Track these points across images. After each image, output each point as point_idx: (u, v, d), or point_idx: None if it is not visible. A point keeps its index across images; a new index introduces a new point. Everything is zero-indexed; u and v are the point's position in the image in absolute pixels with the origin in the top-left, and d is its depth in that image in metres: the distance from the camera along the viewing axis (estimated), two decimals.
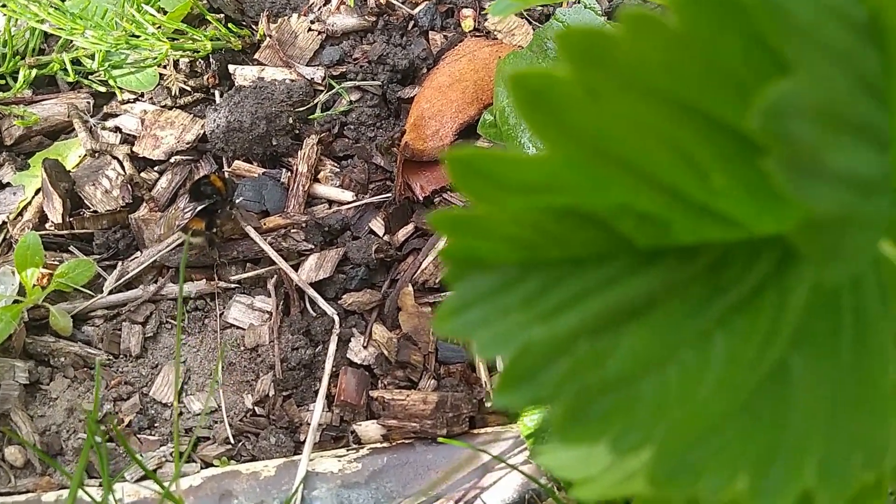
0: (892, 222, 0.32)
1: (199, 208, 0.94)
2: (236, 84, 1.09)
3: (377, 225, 1.01)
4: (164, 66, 1.10)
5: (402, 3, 1.13)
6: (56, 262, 0.97)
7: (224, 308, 0.98)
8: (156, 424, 0.93)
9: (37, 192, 1.03)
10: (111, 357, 0.96)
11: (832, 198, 0.24)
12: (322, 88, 1.09)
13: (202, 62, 1.10)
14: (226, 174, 1.03)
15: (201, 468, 0.90)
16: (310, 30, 1.12)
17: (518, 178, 0.27)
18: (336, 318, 0.95)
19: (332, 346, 0.93)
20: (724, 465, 0.28)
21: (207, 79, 1.09)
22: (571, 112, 0.26)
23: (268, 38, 1.10)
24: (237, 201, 0.99)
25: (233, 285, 0.99)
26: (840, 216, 0.24)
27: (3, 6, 1.08)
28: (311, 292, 0.96)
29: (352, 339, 0.95)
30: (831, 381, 0.29)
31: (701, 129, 0.26)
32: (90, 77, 1.10)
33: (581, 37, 0.25)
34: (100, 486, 0.88)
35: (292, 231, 0.99)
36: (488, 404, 0.91)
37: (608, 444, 0.28)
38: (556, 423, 0.28)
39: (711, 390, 0.29)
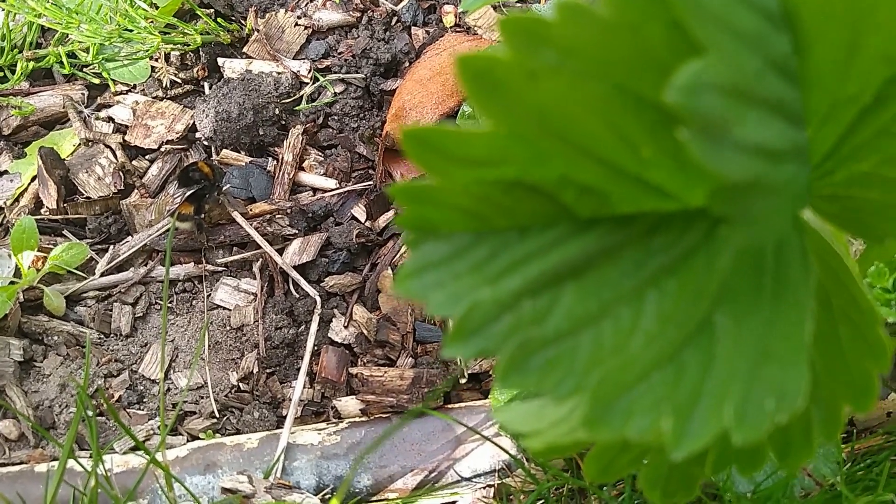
0: (815, 195, 0.34)
1: (188, 193, 0.96)
2: (225, 76, 1.10)
3: (359, 211, 1.03)
4: (156, 59, 1.12)
5: None
6: (50, 246, 0.99)
7: (211, 290, 1.00)
8: (144, 399, 0.95)
9: (32, 179, 1.04)
10: (102, 336, 0.97)
11: (740, 165, 0.26)
12: (308, 81, 1.11)
13: (192, 55, 1.12)
14: (213, 161, 1.05)
15: (188, 441, 0.92)
16: (296, 24, 1.13)
17: (466, 152, 0.30)
18: (318, 300, 0.97)
19: (314, 326, 0.95)
20: (650, 410, 0.30)
21: (197, 71, 1.11)
22: (512, 91, 0.28)
23: (256, 33, 1.12)
24: (224, 188, 1.01)
25: (220, 268, 1.01)
26: (747, 182, 0.26)
27: (3, 1, 1.09)
28: (295, 275, 0.98)
29: (333, 319, 0.97)
30: (752, 336, 0.31)
31: (630, 106, 0.28)
32: (85, 69, 1.12)
33: (520, 22, 0.27)
34: (90, 457, 0.90)
35: (277, 217, 1.01)
36: (463, 381, 0.93)
37: (548, 391, 0.30)
38: (500, 372, 0.30)
39: (643, 343, 0.31)
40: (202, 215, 0.99)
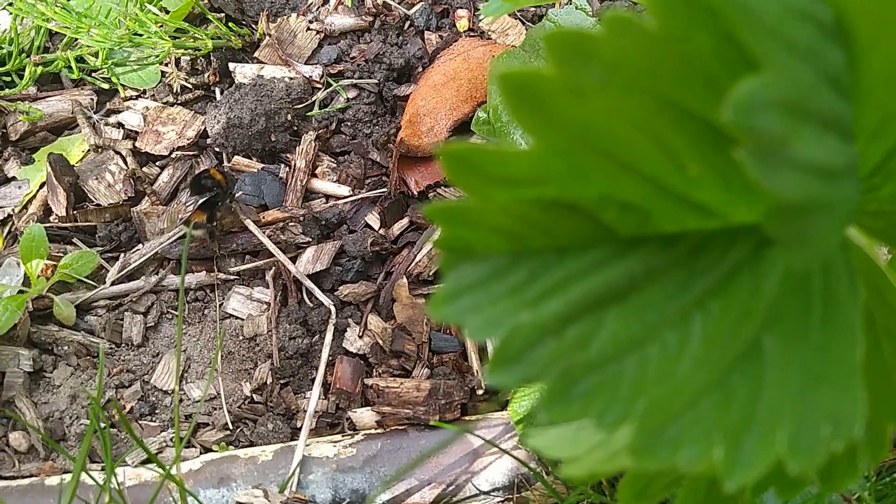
0: (860, 210, 0.33)
1: (201, 201, 0.95)
2: (236, 82, 1.09)
3: (373, 219, 1.02)
4: (166, 64, 1.11)
5: (399, 3, 1.14)
6: (60, 254, 0.98)
7: (223, 299, 0.99)
8: (156, 411, 0.94)
9: (41, 186, 1.04)
10: (113, 346, 0.97)
11: (797, 185, 0.25)
12: (320, 86, 1.10)
13: (203, 60, 1.11)
14: (225, 168, 1.04)
15: (201, 453, 0.91)
16: (308, 29, 1.13)
17: (506, 172, 0.29)
18: (332, 309, 0.96)
19: (329, 336, 0.94)
20: (700, 438, 0.29)
21: (208, 76, 1.10)
22: (556, 107, 0.27)
23: (267, 37, 1.11)
24: (237, 195, 1.01)
25: (232, 277, 1.00)
26: (805, 202, 0.25)
27: (10, 4, 1.09)
28: (309, 284, 0.97)
29: (347, 329, 0.96)
30: (802, 360, 0.30)
31: (677, 121, 0.27)
32: (94, 74, 1.11)
33: (566, 37, 0.26)
34: (101, 469, 0.90)
35: (290, 224, 1.00)
36: (480, 392, 0.92)
37: (592, 420, 0.29)
38: (544, 401, 0.29)
39: (689, 368, 0.30)
40: (214, 223, 0.99)
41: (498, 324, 0.30)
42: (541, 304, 0.30)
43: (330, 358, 0.94)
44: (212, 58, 1.11)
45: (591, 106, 0.26)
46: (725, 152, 0.28)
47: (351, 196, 1.03)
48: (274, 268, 0.99)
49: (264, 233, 1.00)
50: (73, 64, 1.08)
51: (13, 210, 1.03)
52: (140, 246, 1.01)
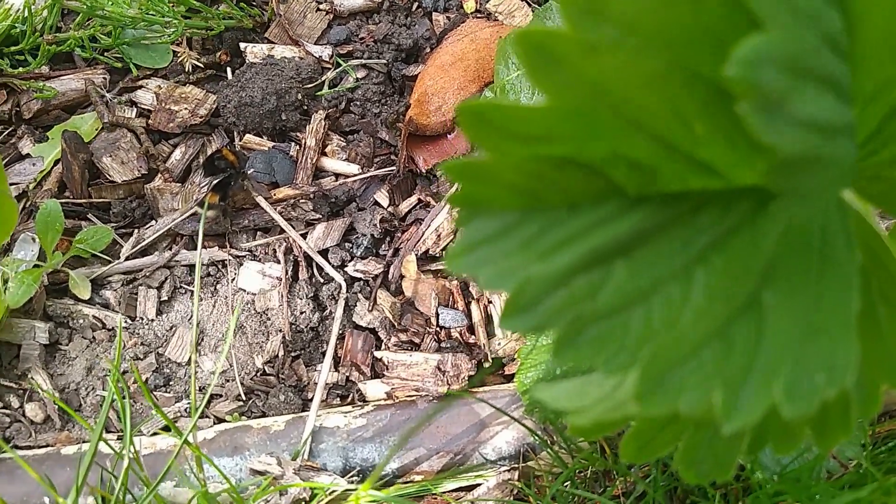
0: (857, 175, 0.35)
1: (215, 182, 0.97)
2: (247, 61, 1.11)
3: (382, 196, 1.03)
4: (178, 44, 1.13)
5: None
6: (75, 230, 1.00)
7: (236, 274, 1.00)
8: (171, 383, 0.96)
9: (55, 163, 1.05)
10: (128, 319, 0.98)
11: (797, 139, 0.26)
12: (329, 66, 1.11)
13: (214, 40, 1.12)
14: (236, 147, 1.05)
15: (214, 423, 0.92)
16: (318, 10, 1.14)
17: (521, 128, 0.30)
18: (343, 284, 0.97)
19: (340, 310, 0.96)
20: (701, 384, 0.30)
21: (219, 56, 1.11)
22: (570, 66, 0.28)
23: (277, 17, 1.13)
24: (248, 173, 1.02)
25: (244, 253, 1.01)
26: (804, 156, 0.27)
27: None
28: (319, 259, 0.99)
29: (357, 303, 0.97)
30: (799, 313, 0.32)
31: (686, 81, 0.29)
32: (106, 54, 1.12)
33: None
34: (117, 439, 0.91)
35: (301, 201, 1.02)
36: (487, 364, 0.94)
37: (599, 365, 0.30)
38: (553, 347, 0.30)
39: (692, 319, 0.31)
40: (227, 201, 1.00)
41: (510, 275, 0.31)
42: (551, 257, 0.31)
43: (340, 332, 0.96)
44: (223, 37, 1.12)
45: (604, 64, 0.28)
46: (731, 113, 0.30)
47: (360, 174, 1.04)
48: (285, 244, 1.01)
49: (275, 209, 1.01)
50: (86, 43, 1.09)
51: (28, 186, 1.04)
52: (153, 222, 1.03)
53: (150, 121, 1.08)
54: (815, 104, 0.27)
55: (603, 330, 0.30)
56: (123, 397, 0.79)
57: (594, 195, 0.32)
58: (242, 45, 1.11)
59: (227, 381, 0.95)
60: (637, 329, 0.31)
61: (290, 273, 0.99)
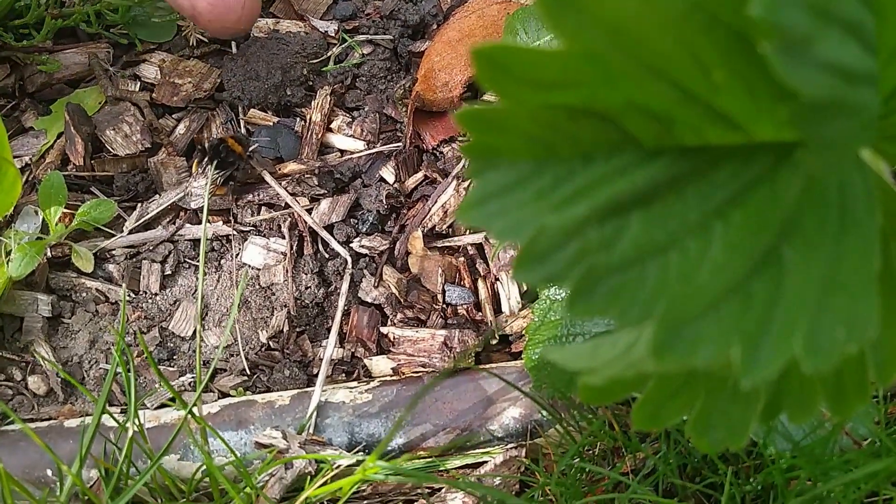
0: (878, 134, 0.34)
1: (225, 175, 0.96)
2: (252, 35, 1.10)
3: (388, 172, 1.03)
4: (183, 18, 1.12)
5: None
6: (78, 203, 0.99)
7: (240, 249, 1.00)
8: (174, 357, 0.96)
9: (58, 137, 1.05)
10: (132, 293, 0.98)
11: (822, 82, 0.26)
12: (335, 41, 1.10)
13: None
14: (239, 133, 1.04)
15: (218, 398, 0.92)
16: None
17: (537, 74, 0.29)
18: (349, 259, 0.97)
19: (345, 285, 0.95)
20: (718, 339, 0.30)
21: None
22: (587, 9, 0.27)
23: None
24: (252, 147, 1.01)
25: (248, 228, 1.01)
26: (829, 100, 0.26)
27: None
28: (325, 234, 0.98)
29: (363, 279, 0.97)
30: (819, 269, 0.31)
31: (706, 26, 0.28)
32: (112, 30, 1.12)
33: None
34: (120, 412, 0.91)
35: (306, 177, 1.01)
36: (493, 341, 0.93)
37: (614, 318, 0.30)
38: (567, 299, 0.30)
39: (710, 274, 0.31)
40: (233, 183, 1.00)
41: (523, 226, 0.30)
42: (565, 208, 0.31)
43: (346, 307, 0.95)
44: None
45: (620, 7, 0.27)
46: (751, 59, 0.29)
47: (366, 150, 1.04)
48: (290, 219, 1.00)
49: (280, 184, 1.00)
50: (92, 18, 1.09)
51: (31, 159, 1.04)
52: (157, 196, 1.02)
53: (153, 95, 1.07)
54: (839, 49, 0.26)
55: (617, 282, 0.30)
56: (128, 370, 0.79)
57: (609, 146, 0.31)
58: None
59: (232, 355, 0.95)
60: (653, 282, 0.30)
61: (294, 248, 0.99)
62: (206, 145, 0.99)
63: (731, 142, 0.33)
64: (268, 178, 1.00)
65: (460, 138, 1.04)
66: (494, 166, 0.32)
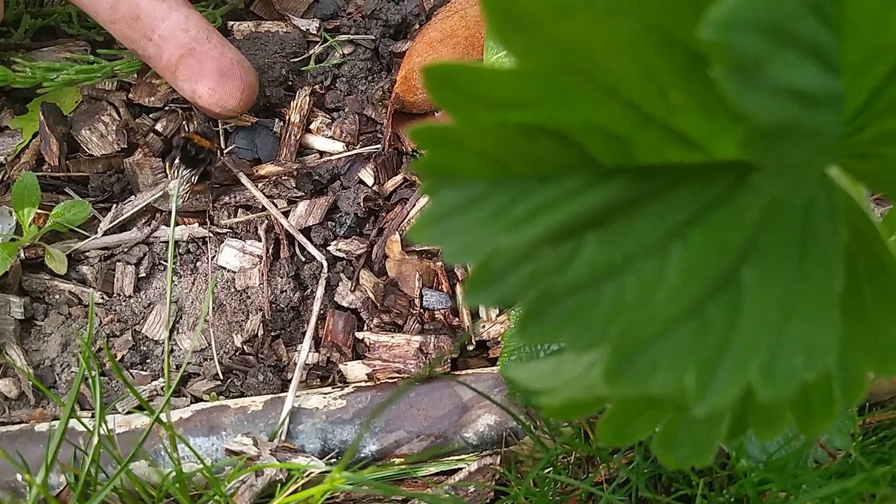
0: (845, 152, 0.34)
1: (199, 172, 0.95)
2: (232, 36, 1.09)
3: (366, 175, 1.02)
4: None
5: None
6: (52, 204, 0.98)
7: (216, 251, 0.99)
8: (147, 360, 0.95)
9: (34, 136, 1.04)
10: (105, 296, 0.97)
11: (776, 107, 0.25)
12: (316, 41, 1.10)
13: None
14: (204, 127, 1.03)
15: (191, 402, 0.91)
16: None
17: (490, 92, 0.29)
18: (325, 263, 0.96)
19: (321, 289, 0.95)
20: (674, 364, 0.29)
21: None
22: (539, 27, 0.27)
23: None
24: (229, 149, 1.00)
25: (224, 230, 1.00)
26: (783, 126, 0.25)
27: None
28: (301, 238, 0.98)
29: (339, 283, 0.96)
30: (779, 292, 0.31)
31: (661, 46, 0.27)
32: (92, 30, 1.11)
33: None
34: (92, 416, 0.90)
35: (283, 179, 1.00)
36: (470, 347, 0.93)
37: (567, 342, 0.29)
38: (519, 322, 0.29)
39: (666, 297, 0.30)
40: (210, 181, 0.99)
41: (477, 247, 0.30)
42: (520, 229, 0.30)
43: (321, 312, 0.95)
44: (217, 17, 1.10)
45: (573, 26, 0.27)
46: (708, 80, 0.28)
47: (345, 152, 1.03)
48: (266, 221, 0.99)
49: (257, 186, 1.00)
50: (74, 19, 1.08)
51: (5, 159, 1.03)
52: (133, 197, 1.01)
53: (130, 94, 1.06)
54: (795, 71, 0.26)
55: (571, 305, 0.29)
56: (96, 375, 0.79)
57: (567, 166, 0.31)
58: (230, 22, 1.10)
59: (205, 359, 0.94)
60: (608, 305, 0.30)
61: (271, 251, 0.98)
62: (174, 146, 0.98)
63: (690, 160, 0.33)
64: (244, 179, 1.00)
65: None
66: (449, 184, 0.31)
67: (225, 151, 1.00)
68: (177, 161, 0.95)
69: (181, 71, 0.96)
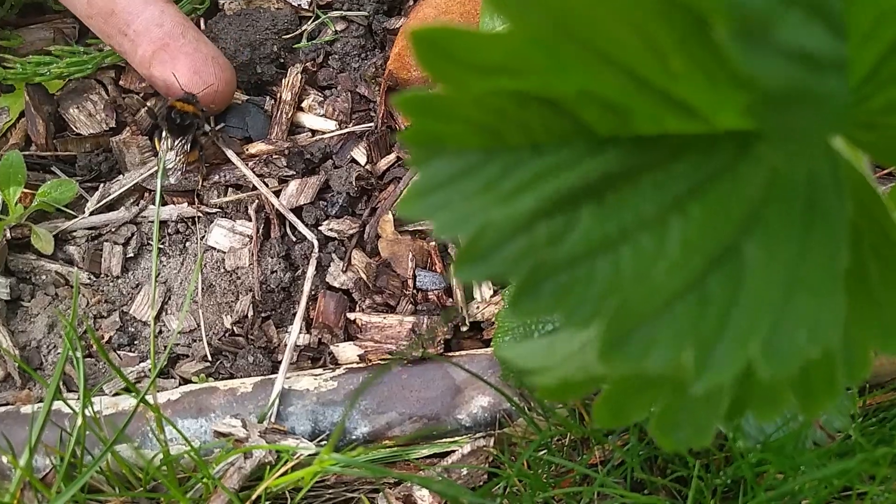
0: (850, 122, 0.32)
1: (188, 140, 0.94)
2: (222, 11, 1.07)
3: (359, 154, 1.01)
4: None
5: None
6: (39, 183, 0.97)
7: (205, 231, 0.98)
8: (135, 342, 0.94)
9: (21, 115, 1.02)
10: (92, 276, 0.96)
11: (782, 70, 0.24)
12: (308, 16, 1.08)
13: None
14: (185, 95, 0.98)
15: (180, 384, 0.90)
16: None
17: (481, 58, 0.28)
18: (316, 243, 0.95)
19: (311, 270, 0.93)
20: (672, 341, 0.28)
21: (194, 7, 1.08)
22: None
23: None
24: (219, 127, 0.99)
25: (214, 209, 0.99)
26: (789, 89, 0.24)
27: None
28: (292, 217, 0.96)
29: (331, 263, 0.95)
30: (782, 266, 0.30)
31: (661, 10, 0.26)
32: None
33: None
34: (78, 398, 0.89)
35: (274, 157, 0.99)
36: (464, 328, 0.92)
37: (560, 317, 0.28)
38: (511, 297, 0.28)
39: (665, 271, 0.29)
40: (202, 151, 0.97)
41: (469, 219, 0.29)
42: (512, 201, 0.29)
43: (313, 292, 0.93)
44: None
45: None
46: (710, 45, 0.27)
47: (337, 130, 1.02)
48: (257, 201, 0.98)
49: (247, 165, 0.98)
50: None
51: None
52: (120, 176, 1.00)
53: (121, 81, 1.04)
54: (801, 32, 0.25)
55: (565, 280, 0.28)
56: (86, 355, 0.77)
57: (561, 135, 0.29)
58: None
59: (195, 341, 0.93)
60: (603, 280, 0.28)
61: (261, 231, 0.97)
62: (158, 119, 0.97)
63: (691, 131, 0.31)
64: (233, 157, 0.98)
65: None
66: (439, 155, 0.30)
67: (215, 129, 0.98)
68: (164, 133, 0.94)
69: (155, 66, 0.95)
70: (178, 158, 0.93)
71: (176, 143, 0.94)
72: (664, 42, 0.27)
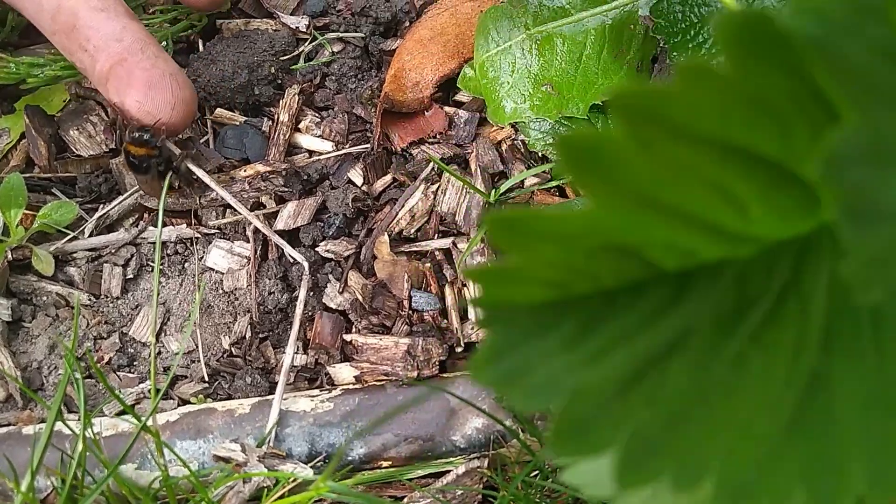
0: None
1: (153, 176, 0.89)
2: (221, 35, 1.04)
3: (356, 175, 0.98)
4: (151, 12, 1.06)
5: None
6: (40, 205, 0.94)
7: (204, 252, 0.95)
8: (135, 363, 0.91)
9: (22, 136, 0.99)
10: (92, 297, 0.93)
11: (886, 235, 0.22)
12: (305, 38, 1.05)
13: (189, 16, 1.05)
14: (137, 135, 0.88)
15: (178, 405, 0.88)
16: None
17: (559, 230, 0.25)
18: (306, 265, 0.92)
19: (303, 292, 0.90)
20: (779, 485, 0.26)
21: (192, 37, 1.05)
22: (621, 168, 0.24)
23: None
24: (185, 153, 0.93)
25: (212, 230, 0.96)
26: (891, 250, 0.22)
27: None
28: (277, 239, 0.92)
29: (328, 284, 0.92)
30: (862, 387, 0.28)
31: (744, 166, 0.24)
32: None
33: (635, 96, 0.22)
34: (78, 419, 0.86)
35: (272, 178, 0.96)
36: (459, 349, 0.90)
37: (669, 483, 0.26)
38: (616, 470, 0.26)
39: (753, 410, 0.27)
40: (193, 176, 0.92)
41: (555, 385, 0.26)
42: (599, 362, 0.26)
43: (309, 313, 0.91)
44: (203, 17, 1.05)
45: (657, 162, 0.23)
46: (786, 189, 0.25)
47: (334, 151, 0.99)
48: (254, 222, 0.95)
49: (221, 187, 0.94)
50: None
51: None
52: (120, 197, 0.96)
53: None
54: None
55: (666, 441, 0.26)
56: (87, 376, 0.75)
57: (630, 278, 0.27)
58: (219, 21, 1.05)
59: (193, 362, 0.90)
60: (699, 433, 0.26)
61: (258, 252, 0.94)
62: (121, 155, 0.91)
63: (749, 252, 0.29)
64: (206, 179, 0.92)
65: (430, 140, 1.00)
66: (508, 314, 0.27)
67: (184, 154, 0.92)
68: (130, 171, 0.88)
69: (111, 82, 0.87)
70: (153, 192, 0.88)
71: (143, 182, 0.89)
72: (745, 194, 0.25)
